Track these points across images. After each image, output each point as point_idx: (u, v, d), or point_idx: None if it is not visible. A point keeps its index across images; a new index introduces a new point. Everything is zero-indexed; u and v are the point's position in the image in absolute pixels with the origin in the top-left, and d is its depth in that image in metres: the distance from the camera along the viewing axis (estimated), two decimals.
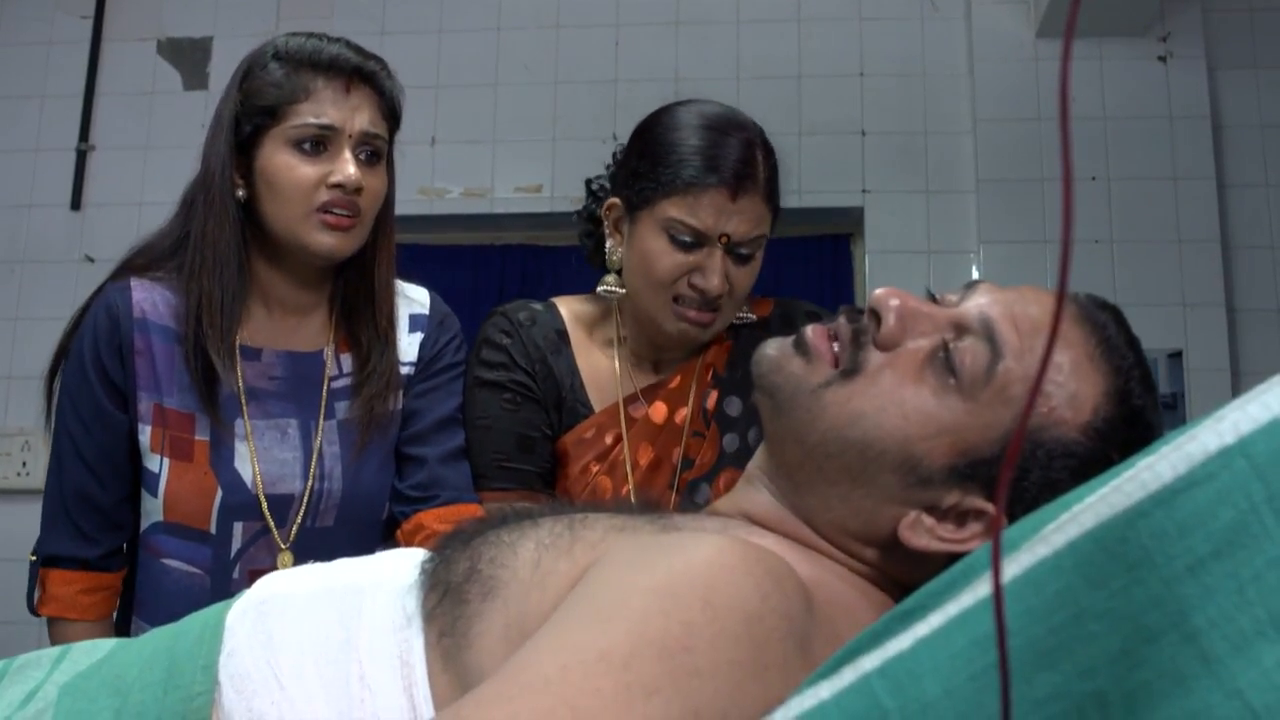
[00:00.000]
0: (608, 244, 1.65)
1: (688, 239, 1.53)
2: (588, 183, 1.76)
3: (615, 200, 1.63)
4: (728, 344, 1.69)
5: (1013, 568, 0.69)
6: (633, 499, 1.58)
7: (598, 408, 1.65)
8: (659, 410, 1.65)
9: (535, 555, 0.86)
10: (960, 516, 0.92)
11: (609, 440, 1.63)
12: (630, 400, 1.66)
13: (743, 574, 0.77)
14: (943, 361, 0.92)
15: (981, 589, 0.71)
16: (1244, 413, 0.67)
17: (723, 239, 1.53)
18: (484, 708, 0.68)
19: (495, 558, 0.87)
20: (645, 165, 1.57)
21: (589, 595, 0.78)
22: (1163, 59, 3.29)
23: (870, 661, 0.72)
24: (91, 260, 3.36)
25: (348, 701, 0.82)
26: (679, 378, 1.67)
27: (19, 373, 3.34)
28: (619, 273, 1.64)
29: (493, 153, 3.40)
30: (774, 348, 1.00)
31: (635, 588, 0.76)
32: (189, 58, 3.50)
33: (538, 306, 1.71)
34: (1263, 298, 3.23)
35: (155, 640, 0.92)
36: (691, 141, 1.55)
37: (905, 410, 0.91)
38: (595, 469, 1.62)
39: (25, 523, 3.22)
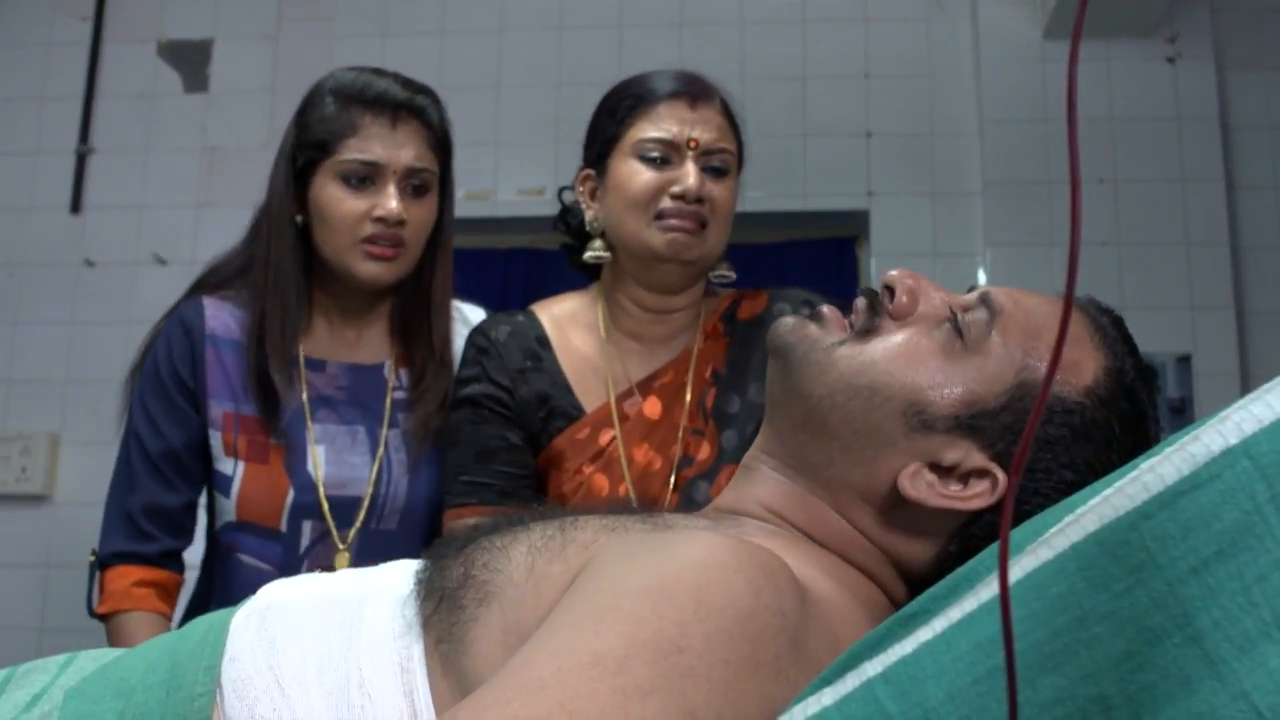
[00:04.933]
0: (587, 216, 1.70)
1: (658, 154, 1.61)
2: (559, 193, 1.80)
3: (586, 171, 1.70)
4: (724, 341, 1.71)
5: (1015, 571, 0.69)
6: (631, 497, 1.60)
7: (588, 407, 1.66)
8: (653, 406, 1.66)
9: (528, 559, 0.86)
10: (963, 477, 0.93)
11: (603, 440, 1.64)
12: (624, 396, 1.66)
13: (734, 571, 0.77)
14: (950, 328, 0.95)
15: (984, 593, 0.71)
16: (1247, 413, 0.67)
17: (691, 144, 1.61)
18: (480, 712, 0.68)
19: (488, 563, 0.87)
20: (604, 118, 1.68)
21: (582, 598, 0.78)
22: (1171, 60, 3.29)
23: (873, 666, 0.72)
24: (91, 264, 3.37)
25: (348, 708, 0.82)
26: (671, 373, 1.68)
27: (18, 377, 3.34)
28: (603, 236, 1.68)
29: (495, 155, 3.40)
30: (790, 319, 1.03)
31: (628, 589, 0.76)
32: (189, 60, 3.50)
33: (518, 317, 1.74)
34: (1272, 300, 3.21)
35: (160, 644, 0.93)
36: (642, 80, 1.67)
37: (914, 361, 0.95)
38: (589, 469, 1.63)
39: (25, 528, 3.25)
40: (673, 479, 1.62)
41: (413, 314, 1.76)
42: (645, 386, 1.67)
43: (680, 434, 1.64)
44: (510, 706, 0.67)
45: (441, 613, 0.85)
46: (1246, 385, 3.10)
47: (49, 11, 3.53)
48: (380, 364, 1.76)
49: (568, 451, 1.64)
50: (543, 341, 1.70)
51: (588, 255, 1.68)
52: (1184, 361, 3.13)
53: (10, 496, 3.23)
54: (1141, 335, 1.02)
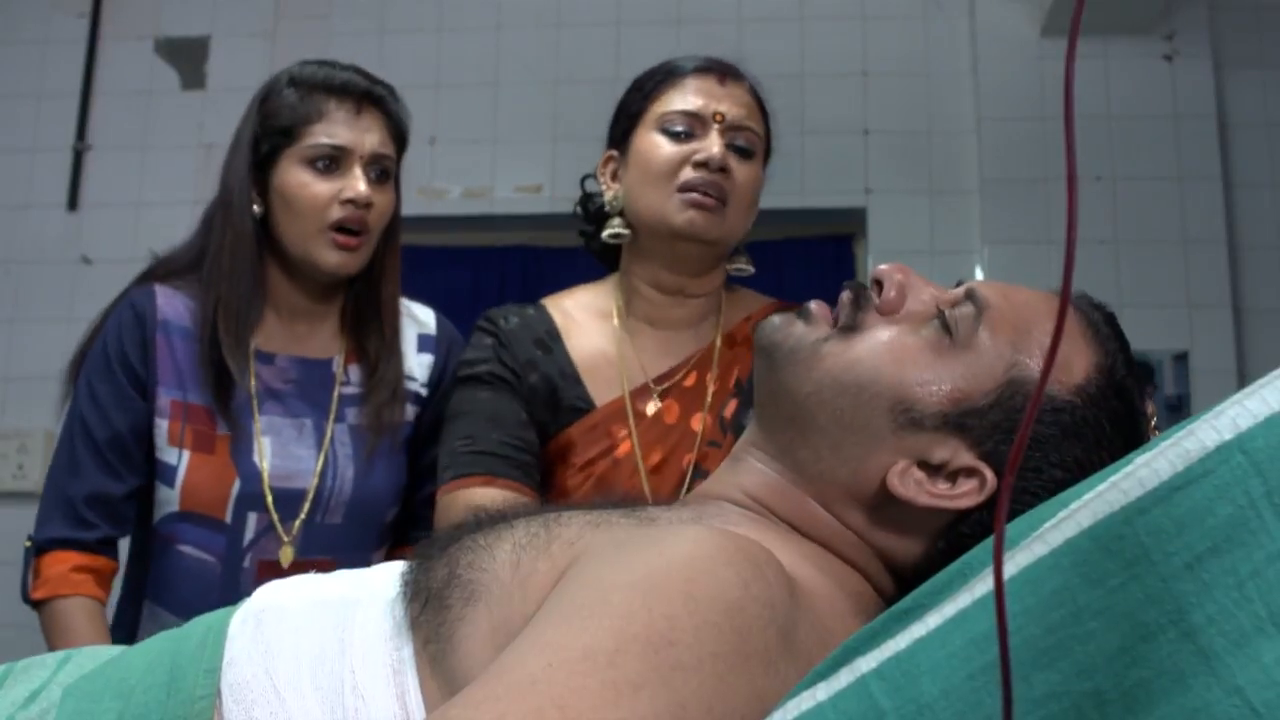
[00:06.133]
0: (606, 196, 1.67)
1: (682, 128, 1.58)
2: (582, 180, 1.77)
3: (610, 152, 1.68)
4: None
5: (1010, 567, 0.69)
6: (647, 495, 1.56)
7: (599, 400, 1.62)
8: (671, 411, 1.62)
9: (514, 557, 0.86)
10: (951, 475, 0.93)
11: (616, 436, 1.60)
12: (639, 392, 1.62)
13: (723, 564, 0.77)
14: (939, 324, 0.95)
15: (979, 589, 0.71)
16: (1242, 408, 0.67)
17: (717, 117, 1.58)
18: (472, 709, 0.67)
19: (473, 562, 0.87)
20: (632, 95, 1.66)
21: (571, 594, 0.78)
22: (1168, 57, 3.28)
23: (867, 662, 0.72)
24: (88, 261, 3.36)
25: (343, 711, 0.82)
26: (694, 375, 1.64)
27: (15, 374, 3.34)
28: (622, 215, 1.64)
29: (493, 152, 3.40)
30: (778, 317, 1.02)
31: (616, 584, 0.76)
32: (186, 57, 3.50)
33: (528, 310, 1.70)
34: (1269, 298, 3.21)
35: (159, 644, 0.93)
36: (671, 60, 1.65)
37: (901, 358, 0.94)
38: (601, 465, 1.59)
39: (22, 525, 3.22)
40: (685, 487, 1.57)
41: (365, 307, 1.76)
42: (663, 383, 1.63)
43: (696, 442, 1.60)
44: (501, 703, 0.67)
45: (428, 613, 0.85)
46: (1244, 383, 3.07)
47: (46, 8, 3.53)
48: (329, 359, 1.76)
49: (578, 444, 1.60)
50: (552, 335, 1.66)
51: (605, 234, 1.64)
52: (1181, 359, 3.13)
53: (7, 494, 3.24)
54: (1139, 333, 1.02)
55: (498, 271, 3.45)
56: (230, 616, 0.92)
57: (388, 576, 0.93)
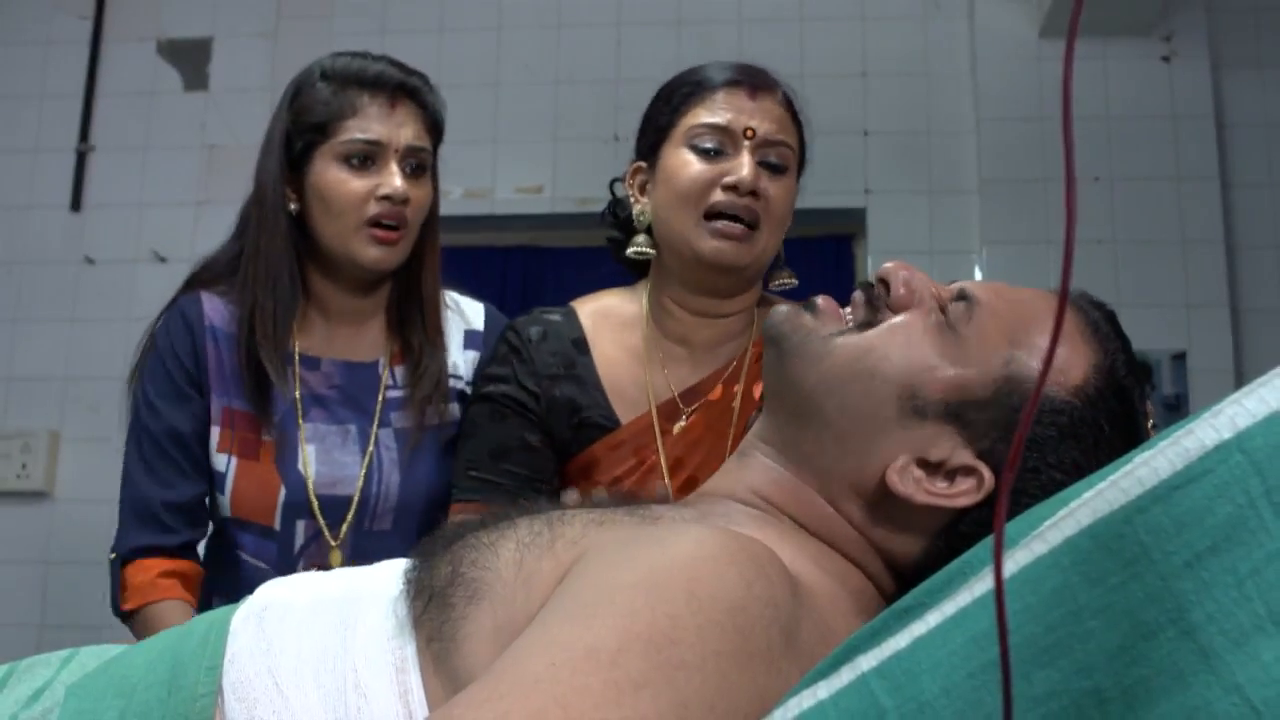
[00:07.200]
0: (634, 210, 1.61)
1: (712, 145, 1.52)
2: (611, 184, 1.71)
3: (638, 163, 1.62)
4: None
5: (1010, 565, 0.69)
6: None
7: (624, 417, 1.58)
8: (698, 426, 1.58)
9: (517, 555, 0.86)
10: (949, 474, 0.93)
11: (642, 454, 1.57)
12: (666, 408, 1.58)
13: (726, 563, 0.77)
14: (941, 320, 0.96)
15: (979, 587, 0.71)
16: (1241, 407, 0.67)
17: (748, 134, 1.52)
18: (475, 708, 0.67)
19: (477, 560, 0.87)
20: (660, 106, 1.60)
21: (574, 593, 0.78)
22: (1166, 58, 3.29)
23: (868, 661, 0.72)
24: (91, 261, 3.37)
25: (345, 709, 0.82)
26: (720, 388, 1.59)
27: (18, 374, 3.34)
28: (649, 231, 1.60)
29: (493, 152, 3.40)
30: (785, 308, 1.03)
31: (620, 583, 0.76)
32: (189, 58, 3.50)
33: (554, 316, 1.66)
34: (1267, 298, 3.22)
35: (162, 642, 0.93)
36: (700, 69, 1.59)
37: (910, 343, 0.96)
38: (627, 482, 1.56)
39: (24, 525, 3.25)
40: None
41: (407, 301, 1.74)
42: (690, 399, 1.59)
43: (725, 456, 1.53)
44: (504, 701, 0.67)
45: (431, 612, 0.85)
46: (1241, 382, 3.07)
47: (49, 9, 3.53)
48: (375, 361, 1.73)
49: (603, 461, 1.57)
50: (580, 345, 1.62)
51: (630, 251, 1.59)
52: (1179, 359, 3.13)
53: (10, 494, 3.23)
54: (1137, 333, 1.02)
55: (498, 272, 3.45)
56: (233, 614, 0.92)
57: (390, 575, 0.92)
